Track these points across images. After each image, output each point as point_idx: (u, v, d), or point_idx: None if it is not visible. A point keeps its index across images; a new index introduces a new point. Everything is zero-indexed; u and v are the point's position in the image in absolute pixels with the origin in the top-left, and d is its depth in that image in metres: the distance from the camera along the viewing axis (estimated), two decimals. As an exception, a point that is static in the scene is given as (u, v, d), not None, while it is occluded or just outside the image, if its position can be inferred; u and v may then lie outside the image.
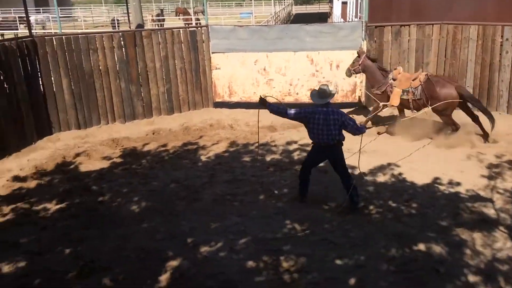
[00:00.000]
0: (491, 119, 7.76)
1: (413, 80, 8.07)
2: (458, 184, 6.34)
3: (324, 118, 5.57)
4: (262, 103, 5.86)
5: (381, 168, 6.99)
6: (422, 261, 4.67)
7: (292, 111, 5.80)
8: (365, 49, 9.86)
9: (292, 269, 4.60)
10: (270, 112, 5.89)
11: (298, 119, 5.81)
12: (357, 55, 8.81)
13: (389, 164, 7.11)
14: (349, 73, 8.92)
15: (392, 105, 8.41)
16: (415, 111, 8.09)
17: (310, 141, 8.17)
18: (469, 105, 8.04)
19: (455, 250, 4.83)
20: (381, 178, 6.68)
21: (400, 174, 6.79)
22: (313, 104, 5.72)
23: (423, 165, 6.96)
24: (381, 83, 8.43)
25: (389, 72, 8.49)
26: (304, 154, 7.76)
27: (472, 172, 6.71)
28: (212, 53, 10.35)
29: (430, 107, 7.81)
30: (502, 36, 9.10)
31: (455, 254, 4.78)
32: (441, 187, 6.29)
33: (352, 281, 4.38)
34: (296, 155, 7.71)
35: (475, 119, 8.04)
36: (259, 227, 5.42)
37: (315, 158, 5.97)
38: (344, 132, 5.68)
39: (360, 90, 10.18)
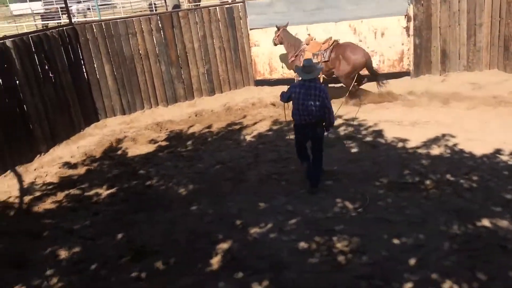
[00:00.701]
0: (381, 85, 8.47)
1: (323, 44, 8.74)
2: (522, 153, 5.88)
3: (305, 92, 5.30)
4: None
5: (435, 140, 6.60)
6: (487, 237, 4.36)
7: (285, 93, 5.64)
8: (411, 13, 9.30)
9: (347, 250, 4.43)
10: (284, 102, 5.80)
11: (289, 98, 5.56)
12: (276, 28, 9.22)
13: (443, 135, 6.71)
14: (273, 43, 9.38)
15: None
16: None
17: (356, 115, 7.95)
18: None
19: (523, 225, 4.48)
20: (436, 150, 6.31)
21: (456, 145, 6.38)
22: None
23: (480, 135, 6.51)
24: (295, 51, 8.98)
25: (301, 42, 9.06)
26: (350, 129, 7.48)
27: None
28: (250, 29, 10.09)
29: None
30: None
31: (523, 229, 4.43)
32: (503, 157, 5.85)
33: (413, 261, 4.15)
34: (342, 131, 7.43)
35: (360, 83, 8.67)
36: (308, 207, 5.26)
37: (300, 138, 5.64)
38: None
39: (408, 58, 9.64)
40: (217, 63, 10.06)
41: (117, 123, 8.73)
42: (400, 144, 6.63)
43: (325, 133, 5.56)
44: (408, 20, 9.41)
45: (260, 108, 9.07)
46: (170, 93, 9.68)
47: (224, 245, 4.67)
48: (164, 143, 7.65)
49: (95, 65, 8.87)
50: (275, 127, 7.96)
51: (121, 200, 5.81)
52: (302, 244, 4.59)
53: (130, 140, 7.84)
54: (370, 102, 8.55)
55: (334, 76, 8.80)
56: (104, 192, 6.06)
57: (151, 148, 7.47)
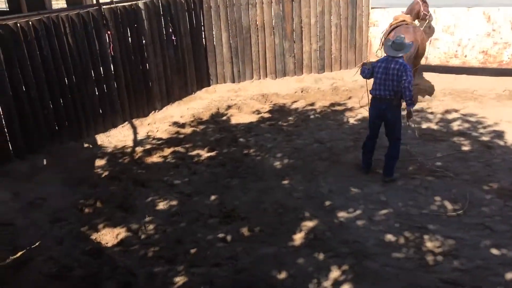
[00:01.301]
0: None
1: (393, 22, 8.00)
2: None
3: (385, 66, 5.18)
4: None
5: None
6: None
7: (367, 69, 5.48)
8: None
9: (437, 251, 4.20)
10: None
11: (371, 74, 5.43)
12: None
13: None
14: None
15: None
16: None
17: (474, 111, 7.30)
18: None
19: None
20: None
21: None
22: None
23: None
24: None
25: None
26: (466, 125, 6.91)
27: None
28: (371, 8, 9.67)
29: None
30: None
31: None
32: None
33: (510, 275, 3.80)
34: (455, 125, 6.89)
35: None
36: (403, 200, 5.04)
37: (373, 117, 5.48)
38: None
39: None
40: (331, 40, 9.85)
41: (226, 90, 9.08)
42: (519, 148, 5.98)
43: (407, 110, 5.28)
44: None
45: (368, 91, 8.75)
46: (280, 67, 9.76)
47: (310, 224, 4.71)
48: (266, 115, 7.81)
49: (213, 32, 9.26)
50: (381, 113, 7.65)
51: (219, 163, 6.11)
52: (390, 237, 4.45)
53: (235, 108, 8.14)
54: None
55: None
56: (205, 154, 6.42)
57: (254, 118, 7.68)
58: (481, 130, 6.66)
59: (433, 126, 6.96)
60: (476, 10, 8.84)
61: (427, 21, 8.26)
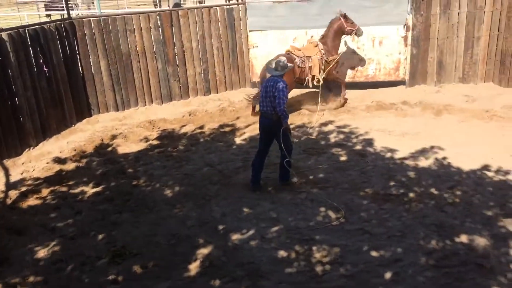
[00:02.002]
0: None
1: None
2: (508, 170, 5.89)
3: (265, 85, 5.72)
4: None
5: (423, 152, 6.61)
6: (464, 255, 4.38)
7: None
8: (410, 23, 9.30)
9: (325, 260, 4.45)
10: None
11: None
12: None
13: (432, 147, 6.72)
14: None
15: None
16: None
17: (348, 122, 7.96)
18: None
19: (501, 243, 4.50)
20: (423, 162, 6.32)
21: (444, 158, 6.40)
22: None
23: (469, 148, 6.52)
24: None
25: None
26: (342, 136, 7.49)
27: (524, 157, 6.21)
28: (250, 31, 10.08)
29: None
30: None
31: (501, 247, 4.44)
32: (489, 173, 5.86)
33: (388, 275, 4.17)
34: (332, 138, 7.44)
35: None
36: (292, 215, 5.27)
37: (261, 133, 5.97)
38: None
39: (404, 67, 9.64)
40: (214, 63, 10.06)
41: (110, 119, 8.73)
42: (388, 155, 6.64)
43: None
44: (407, 30, 9.41)
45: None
46: (166, 91, 9.68)
47: (204, 250, 4.69)
48: (155, 142, 7.66)
49: (91, 60, 8.87)
50: (267, 131, 7.95)
51: (106, 199, 5.82)
52: (282, 253, 4.61)
53: (121, 137, 7.85)
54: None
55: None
56: (90, 190, 6.07)
57: (141, 146, 7.48)
58: (355, 140, 7.28)
59: (314, 139, 7.43)
60: (342, 30, 9.69)
61: (357, 34, 8.78)
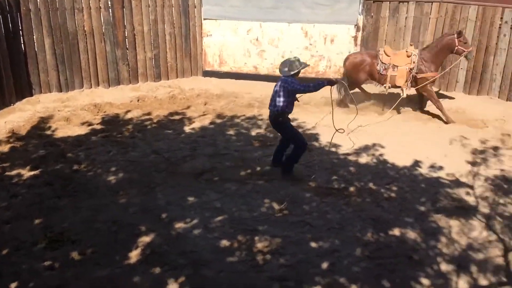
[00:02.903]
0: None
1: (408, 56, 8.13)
2: (441, 168, 6.26)
3: (275, 85, 5.82)
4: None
5: (365, 149, 6.87)
6: (396, 247, 4.62)
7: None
8: (360, 24, 9.59)
9: (266, 250, 4.54)
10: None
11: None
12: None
13: (374, 145, 7.00)
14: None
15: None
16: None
17: (297, 116, 8.11)
18: None
19: (431, 237, 4.79)
20: (364, 159, 6.57)
21: (383, 155, 6.68)
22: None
23: (407, 147, 6.85)
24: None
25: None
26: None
27: (455, 156, 6.62)
28: (204, 19, 9.99)
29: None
30: (501, 19, 8.84)
31: (430, 241, 4.73)
32: (423, 171, 6.20)
33: (325, 265, 4.33)
34: (281, 131, 7.55)
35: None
36: (236, 205, 5.33)
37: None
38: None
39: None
40: (166, 49, 9.88)
41: (52, 100, 8.36)
42: (332, 149, 6.85)
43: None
44: (357, 30, 9.68)
45: (205, 99, 9.01)
46: (113, 75, 9.39)
47: (146, 238, 4.65)
48: (99, 126, 7.43)
49: (34, 37, 8.44)
50: (217, 121, 7.95)
51: (44, 183, 5.60)
52: (224, 242, 4.66)
53: (63, 120, 7.54)
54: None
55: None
56: (26, 173, 5.81)
57: (84, 130, 7.24)
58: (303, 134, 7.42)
59: (263, 132, 7.52)
60: (295, 25, 9.84)
61: (467, 57, 8.07)
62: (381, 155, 6.65)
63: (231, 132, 7.51)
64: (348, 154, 6.68)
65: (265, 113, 8.35)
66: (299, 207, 5.35)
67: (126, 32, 9.36)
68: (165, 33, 9.77)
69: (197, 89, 9.52)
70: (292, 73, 5.69)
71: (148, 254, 4.40)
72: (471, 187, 5.83)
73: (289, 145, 6.09)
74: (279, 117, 5.77)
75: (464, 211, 5.28)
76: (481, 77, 9.24)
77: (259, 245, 4.62)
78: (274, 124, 5.91)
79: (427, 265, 4.38)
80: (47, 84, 8.70)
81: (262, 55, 10.10)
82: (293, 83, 5.64)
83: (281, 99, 5.68)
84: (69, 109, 8.00)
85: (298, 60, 5.78)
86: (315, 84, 5.68)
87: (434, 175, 6.10)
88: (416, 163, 6.37)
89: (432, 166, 6.30)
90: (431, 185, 5.85)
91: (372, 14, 9.65)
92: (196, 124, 7.79)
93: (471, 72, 9.32)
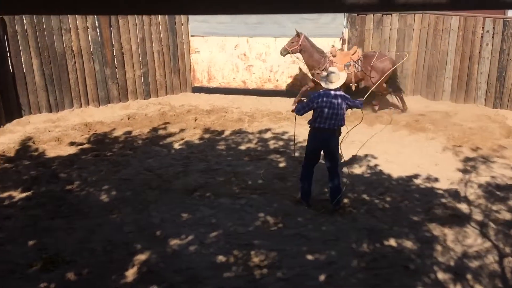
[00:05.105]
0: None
1: (352, 55, 8.84)
2: (433, 177, 6.34)
3: (323, 101, 5.32)
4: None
5: (357, 160, 6.94)
6: (392, 257, 4.66)
7: (306, 104, 5.57)
8: (346, 37, 9.75)
9: (263, 265, 4.55)
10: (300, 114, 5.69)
11: (310, 109, 5.51)
12: (296, 33, 8.92)
13: (365, 156, 7.07)
14: (284, 53, 8.97)
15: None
16: (355, 84, 8.85)
17: (287, 129, 8.17)
18: None
19: (426, 246, 4.84)
20: (356, 170, 6.63)
21: (376, 166, 6.75)
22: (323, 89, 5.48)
23: (399, 157, 6.94)
24: (321, 63, 8.77)
25: (324, 52, 8.94)
26: (281, 143, 7.67)
27: (447, 165, 6.72)
28: (191, 36, 10.08)
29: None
30: (483, 28, 9.07)
31: (425, 250, 4.78)
32: (416, 181, 6.27)
33: (322, 277, 4.35)
34: (271, 144, 7.60)
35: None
36: (231, 220, 5.33)
37: (314, 147, 5.59)
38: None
39: (340, 78, 10.06)
40: (155, 67, 9.93)
41: (42, 120, 8.32)
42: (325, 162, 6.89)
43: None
44: (343, 42, 9.84)
45: (195, 115, 9.03)
46: (103, 94, 9.40)
47: (142, 257, 4.62)
48: (90, 146, 7.41)
49: (22, 59, 8.43)
50: (207, 136, 7.98)
51: (37, 204, 5.55)
52: (221, 258, 4.65)
53: (54, 140, 7.50)
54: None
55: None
56: (19, 194, 5.76)
57: (76, 149, 7.21)
58: (293, 147, 7.48)
59: (253, 146, 7.56)
60: (281, 39, 9.94)
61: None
62: (374, 165, 6.72)
63: (222, 147, 7.54)
64: (340, 166, 6.73)
65: (255, 127, 8.42)
66: (294, 219, 5.37)
67: (114, 51, 9.40)
68: (153, 51, 9.83)
69: (187, 105, 9.55)
70: (338, 86, 5.46)
71: (144, 273, 4.38)
72: (464, 195, 5.91)
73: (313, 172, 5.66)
74: (339, 133, 5.50)
75: (458, 219, 5.35)
76: (466, 86, 9.43)
77: (256, 260, 4.62)
78: (330, 142, 5.41)
79: (423, 274, 4.42)
80: (36, 105, 8.67)
81: (250, 69, 10.19)
82: (349, 98, 5.48)
83: (343, 113, 5.43)
84: (60, 129, 7.96)
85: (336, 71, 5.54)
86: (360, 101, 5.65)
87: (427, 184, 6.17)
88: (409, 173, 6.44)
89: (424, 176, 6.38)
90: (424, 194, 5.92)
91: (357, 26, 9.83)
92: (187, 140, 7.80)
93: (457, 80, 9.51)
